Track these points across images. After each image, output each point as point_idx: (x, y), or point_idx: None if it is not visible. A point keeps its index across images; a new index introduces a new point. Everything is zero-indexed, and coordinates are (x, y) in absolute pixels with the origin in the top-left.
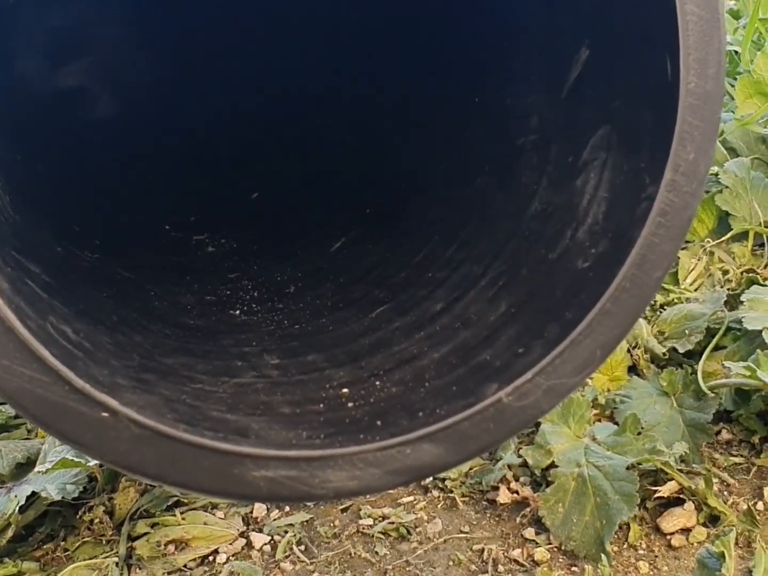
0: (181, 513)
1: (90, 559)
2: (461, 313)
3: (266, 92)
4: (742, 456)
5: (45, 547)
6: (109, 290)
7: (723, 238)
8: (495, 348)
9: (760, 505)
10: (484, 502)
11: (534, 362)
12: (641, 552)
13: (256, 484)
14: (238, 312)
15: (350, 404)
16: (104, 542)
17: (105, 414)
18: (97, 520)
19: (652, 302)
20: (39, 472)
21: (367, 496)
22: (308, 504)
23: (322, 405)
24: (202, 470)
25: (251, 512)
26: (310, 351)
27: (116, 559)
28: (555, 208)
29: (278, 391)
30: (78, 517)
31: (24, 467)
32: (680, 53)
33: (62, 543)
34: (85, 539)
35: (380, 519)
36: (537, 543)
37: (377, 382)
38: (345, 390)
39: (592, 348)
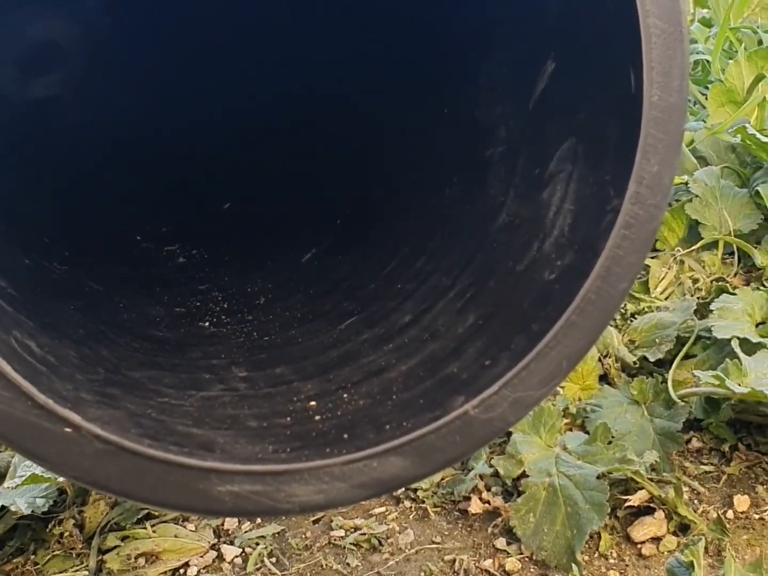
0: (152, 526)
1: (60, 572)
2: (429, 325)
3: (237, 105)
4: (712, 464)
5: (15, 561)
6: (77, 303)
7: (693, 247)
8: (462, 360)
9: (730, 514)
10: (456, 513)
11: (500, 374)
12: (612, 561)
13: (221, 498)
14: (207, 324)
15: (317, 417)
16: (74, 555)
17: (68, 429)
18: (67, 534)
19: (623, 311)
20: (8, 487)
21: (337, 509)
22: (279, 516)
23: (289, 418)
24: (167, 485)
25: (222, 524)
26: (279, 363)
27: (86, 572)
28: (522, 220)
29: (245, 405)
30: (48, 530)
31: None
32: (644, 66)
33: (32, 557)
34: (55, 553)
35: (352, 530)
36: (508, 553)
37: (345, 395)
38: (312, 403)
39: (558, 360)
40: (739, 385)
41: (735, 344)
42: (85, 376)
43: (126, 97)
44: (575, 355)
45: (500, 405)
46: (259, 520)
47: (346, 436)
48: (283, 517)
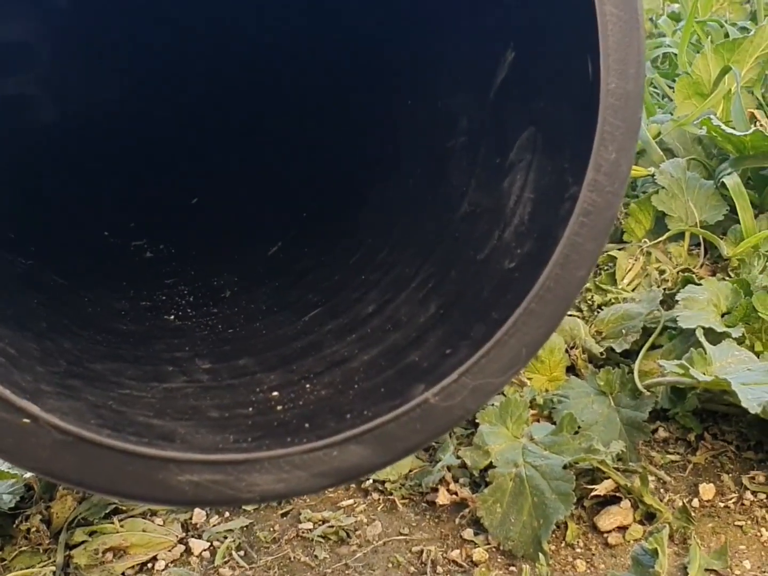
0: (120, 520)
1: (27, 568)
2: (392, 315)
3: (202, 99)
4: (678, 453)
5: None
6: (41, 296)
7: (660, 239)
8: (423, 349)
9: (695, 502)
10: (424, 504)
11: (460, 362)
12: (578, 550)
13: (180, 488)
14: (172, 317)
15: (279, 407)
16: (41, 551)
17: (26, 420)
18: (33, 529)
19: (590, 302)
20: None
21: (306, 498)
22: (248, 508)
23: (251, 409)
24: (126, 475)
25: (190, 519)
26: (243, 355)
27: (53, 568)
28: (483, 210)
29: (207, 396)
30: (15, 526)
31: None
32: (600, 54)
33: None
34: (21, 549)
35: (320, 522)
36: (476, 543)
37: (307, 385)
38: (275, 393)
39: (518, 347)
40: (704, 374)
41: (700, 334)
42: (46, 368)
43: (90, 93)
44: (534, 342)
45: (460, 393)
46: (227, 514)
47: (307, 425)
48: (244, 507)
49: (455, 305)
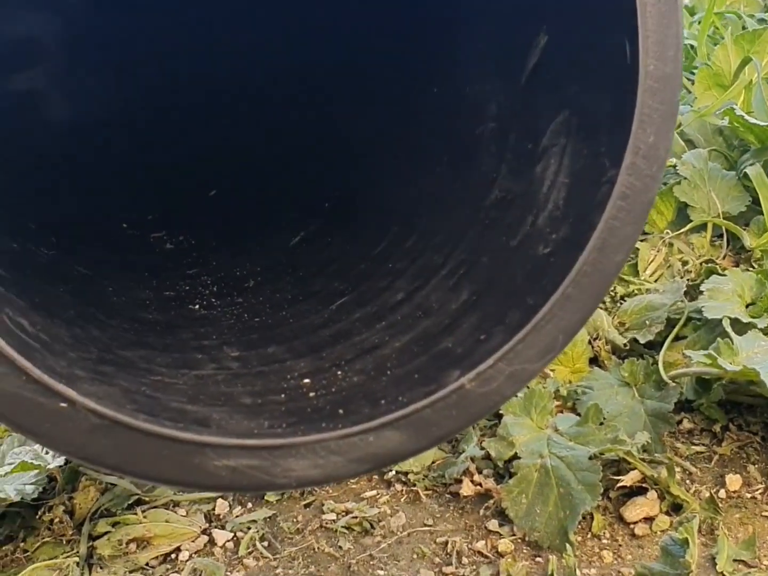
0: (143, 511)
1: (50, 559)
2: (422, 303)
3: (221, 91)
4: (703, 445)
5: (4, 548)
6: (66, 286)
7: (682, 230)
8: (457, 335)
9: (722, 493)
10: (447, 495)
11: (496, 348)
12: (605, 541)
13: (217, 474)
14: (197, 306)
15: (312, 394)
16: (64, 542)
17: (63, 404)
18: (57, 520)
19: (613, 293)
20: None
21: (329, 489)
22: (271, 499)
23: (283, 395)
24: (163, 460)
25: (213, 509)
26: (271, 343)
27: (77, 558)
28: (515, 196)
29: (239, 383)
30: (37, 517)
31: None
32: (639, 36)
33: (21, 544)
34: (44, 540)
35: (343, 513)
36: (501, 534)
37: (339, 372)
38: (306, 380)
39: (554, 333)
40: (731, 363)
41: (726, 324)
42: (78, 354)
43: (108, 87)
44: (571, 328)
45: (496, 379)
46: (249, 505)
47: (341, 411)
48: (279, 499)
49: (488, 291)
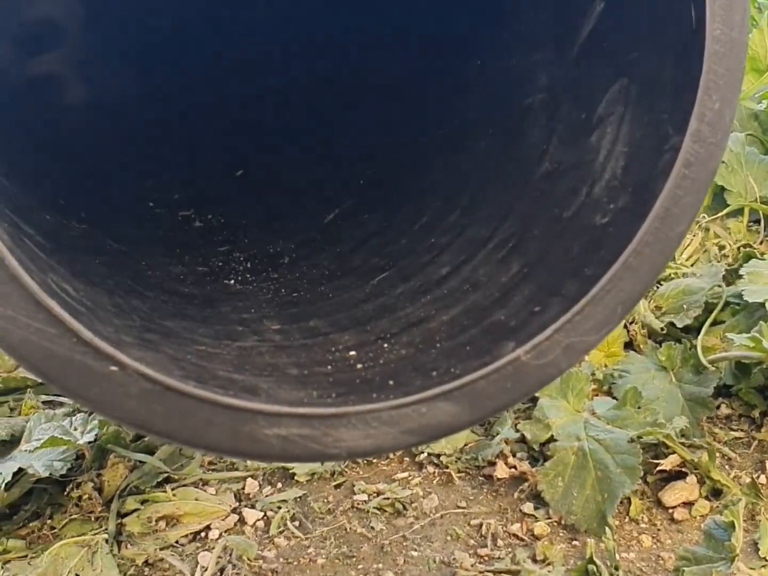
0: (172, 489)
1: (78, 536)
2: (470, 276)
3: (252, 67)
4: (742, 430)
5: (31, 525)
6: (101, 258)
7: (719, 214)
8: (509, 308)
9: (762, 479)
10: (481, 478)
11: (552, 320)
12: (643, 526)
13: (268, 442)
14: (232, 281)
15: (359, 366)
16: (93, 519)
17: (113, 368)
18: (85, 497)
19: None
20: (25, 450)
21: (359, 470)
22: (301, 480)
23: (329, 367)
24: (213, 427)
25: (243, 488)
26: (312, 317)
27: (106, 535)
28: (567, 167)
29: (283, 354)
30: (65, 494)
31: (7, 445)
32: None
33: (49, 521)
34: (72, 516)
35: (375, 495)
36: (536, 517)
37: (385, 345)
38: (352, 353)
39: (613, 304)
40: None
41: None
42: (122, 321)
43: (134, 65)
44: (630, 299)
45: (553, 351)
46: (279, 485)
47: (391, 382)
48: (297, 479)
49: (541, 263)
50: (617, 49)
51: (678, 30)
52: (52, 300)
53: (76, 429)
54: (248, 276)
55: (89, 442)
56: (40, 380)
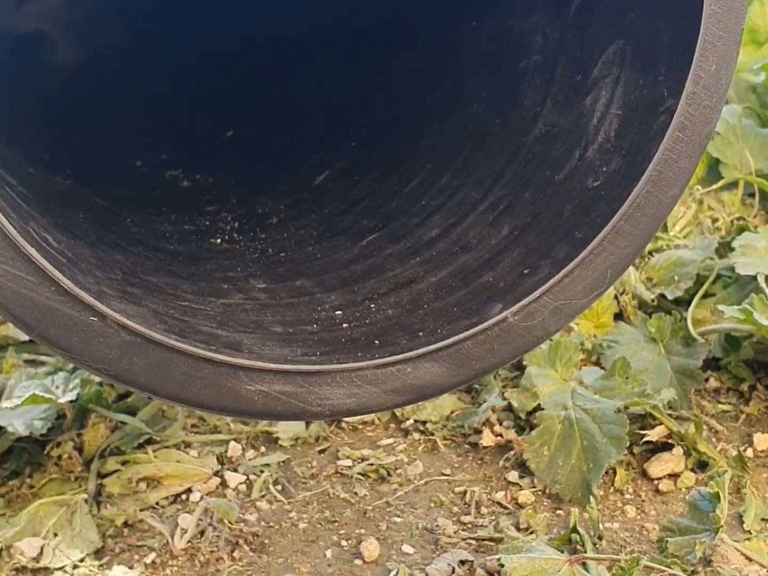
0: (154, 451)
1: (58, 495)
2: (459, 238)
3: (244, 28)
4: (730, 404)
5: (9, 483)
6: (86, 213)
7: (713, 187)
8: (498, 270)
9: (749, 452)
10: (466, 446)
11: (541, 282)
12: (628, 496)
13: (250, 398)
14: (219, 240)
15: (345, 325)
16: (72, 479)
17: (93, 318)
18: (65, 456)
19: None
20: (5, 407)
21: (344, 436)
22: (284, 444)
23: (315, 325)
24: (195, 381)
25: (226, 452)
26: (298, 277)
27: (85, 495)
28: (561, 129)
29: (268, 312)
30: (45, 453)
31: None
32: None
33: (28, 480)
34: (52, 476)
35: (359, 460)
36: (521, 486)
37: (372, 305)
38: (338, 312)
39: (603, 268)
40: (767, 319)
41: (761, 279)
42: (104, 274)
43: (124, 25)
44: (621, 263)
45: (541, 313)
46: (263, 449)
47: (377, 342)
48: (281, 443)
49: (532, 226)
50: (613, 10)
51: None
52: (32, 248)
53: (57, 387)
54: (235, 235)
55: (71, 401)
56: (21, 339)
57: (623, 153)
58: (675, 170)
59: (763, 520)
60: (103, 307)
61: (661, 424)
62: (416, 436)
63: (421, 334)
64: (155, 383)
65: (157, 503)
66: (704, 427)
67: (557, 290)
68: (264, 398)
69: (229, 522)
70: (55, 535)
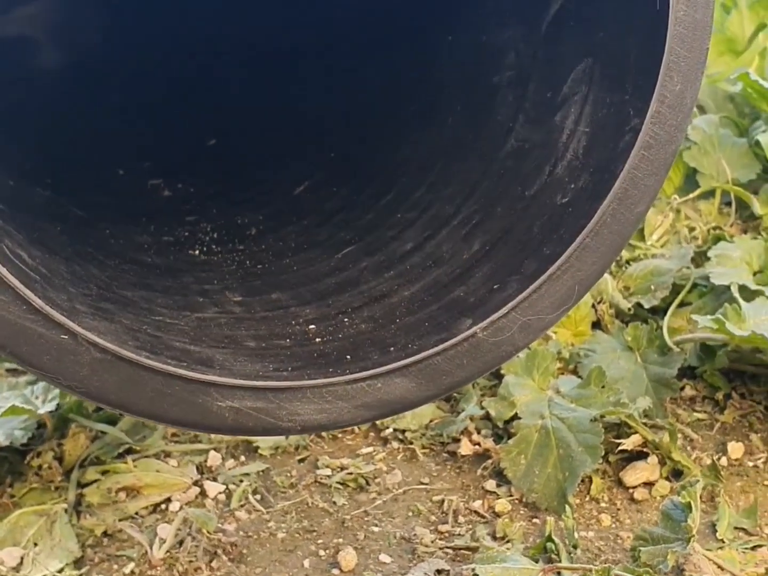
0: (133, 460)
1: (38, 505)
2: (433, 252)
3: (225, 38)
4: (705, 412)
5: None
6: (63, 225)
7: (690, 196)
8: (469, 284)
9: (723, 461)
10: (445, 454)
11: (510, 297)
12: (603, 505)
13: (221, 414)
14: (197, 252)
15: (318, 339)
16: (53, 489)
17: (64, 336)
18: (45, 466)
19: (618, 257)
20: None
21: (324, 445)
22: (264, 453)
23: (288, 340)
24: (166, 398)
25: (206, 461)
26: (274, 290)
27: (65, 505)
28: (532, 145)
29: (242, 326)
30: (25, 463)
31: None
32: None
33: (8, 489)
34: (32, 485)
35: (338, 469)
36: (498, 495)
37: (345, 319)
38: (312, 326)
39: (571, 284)
40: (739, 329)
41: (735, 289)
42: (78, 290)
43: (106, 30)
44: (588, 279)
45: (509, 328)
46: (242, 458)
47: (349, 357)
48: (260, 452)
49: (502, 241)
50: (583, 29)
51: (642, 10)
52: (3, 267)
53: (37, 398)
54: (214, 247)
55: (50, 411)
56: None
57: (591, 170)
58: (641, 188)
59: (736, 528)
60: (74, 325)
61: (636, 432)
62: (395, 444)
63: (392, 349)
64: (126, 400)
65: (136, 513)
66: (679, 435)
67: (526, 306)
68: (235, 414)
69: (208, 532)
70: (35, 544)
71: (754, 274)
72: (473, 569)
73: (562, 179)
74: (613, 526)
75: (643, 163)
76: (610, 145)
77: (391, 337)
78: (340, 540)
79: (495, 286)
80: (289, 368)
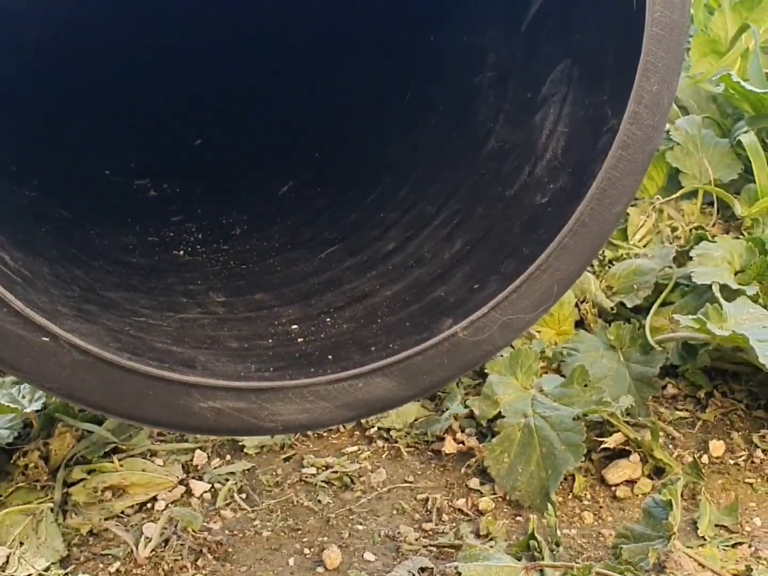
0: (119, 460)
1: (24, 504)
2: (414, 252)
3: (212, 38)
4: (687, 410)
5: None
6: (48, 226)
7: (673, 196)
8: (450, 284)
9: (704, 459)
10: (429, 453)
11: (490, 297)
12: (586, 503)
13: (203, 415)
14: (182, 252)
15: (300, 339)
16: (39, 488)
17: (45, 339)
18: (31, 465)
19: (601, 257)
20: None
21: (309, 443)
22: (250, 452)
23: (270, 340)
24: (147, 399)
25: (191, 460)
26: (258, 290)
27: (51, 504)
28: (512, 146)
29: (225, 327)
30: (12, 462)
31: None
32: None
33: None
34: (18, 485)
35: (323, 468)
36: (482, 493)
37: (328, 319)
38: (294, 327)
39: (550, 283)
40: (720, 329)
41: (716, 289)
42: (60, 291)
43: (93, 32)
44: (567, 279)
45: (489, 328)
46: (228, 457)
47: (330, 357)
48: (246, 451)
49: (483, 241)
50: (562, 30)
51: (620, 12)
52: None
53: (24, 397)
54: (198, 247)
55: (37, 411)
56: None
57: (569, 170)
58: (619, 188)
59: (717, 526)
60: (56, 327)
61: (618, 431)
62: (380, 443)
63: (373, 348)
64: (107, 402)
65: (122, 512)
66: (661, 433)
67: (505, 305)
68: (216, 415)
69: (193, 531)
70: (21, 543)
71: (736, 273)
72: (456, 567)
73: (541, 179)
74: (596, 523)
75: (621, 163)
76: (588, 145)
77: (372, 336)
78: (325, 538)
79: (475, 286)
80: (271, 369)
